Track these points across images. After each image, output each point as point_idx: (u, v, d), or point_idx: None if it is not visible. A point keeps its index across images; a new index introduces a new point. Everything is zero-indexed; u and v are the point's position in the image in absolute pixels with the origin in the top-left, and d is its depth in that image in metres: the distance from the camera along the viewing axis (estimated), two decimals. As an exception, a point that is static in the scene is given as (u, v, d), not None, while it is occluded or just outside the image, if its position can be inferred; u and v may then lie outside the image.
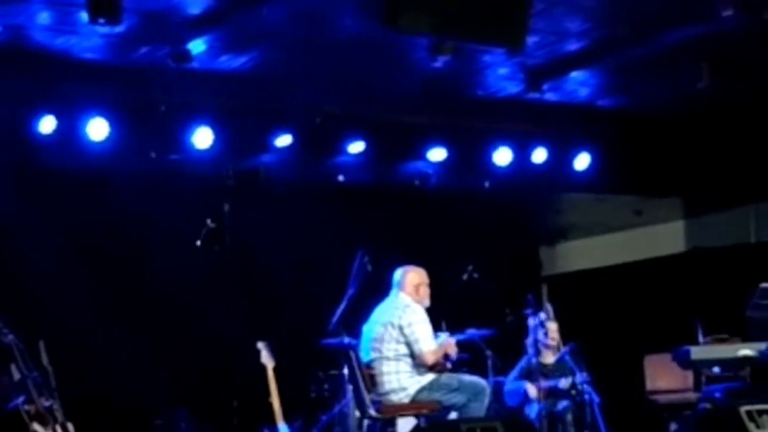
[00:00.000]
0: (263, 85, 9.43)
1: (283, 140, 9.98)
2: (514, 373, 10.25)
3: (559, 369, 10.18)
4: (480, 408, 8.56)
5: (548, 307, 10.42)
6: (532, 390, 10.00)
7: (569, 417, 9.82)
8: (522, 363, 10.28)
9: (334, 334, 9.25)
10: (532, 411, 9.86)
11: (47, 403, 8.32)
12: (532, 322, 10.29)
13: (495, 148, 10.83)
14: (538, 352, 10.18)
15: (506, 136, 10.83)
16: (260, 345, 9.58)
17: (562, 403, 9.89)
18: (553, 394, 9.97)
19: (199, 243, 7.97)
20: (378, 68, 9.39)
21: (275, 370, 9.55)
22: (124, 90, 9.12)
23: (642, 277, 12.45)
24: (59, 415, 8.37)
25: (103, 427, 8.26)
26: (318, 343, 9.31)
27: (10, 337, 8.29)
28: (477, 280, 10.08)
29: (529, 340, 10.22)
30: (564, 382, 10.02)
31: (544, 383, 9.95)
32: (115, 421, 8.06)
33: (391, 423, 8.69)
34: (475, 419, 8.37)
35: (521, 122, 10.68)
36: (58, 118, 9.09)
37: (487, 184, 11.07)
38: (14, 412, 8.20)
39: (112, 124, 9.24)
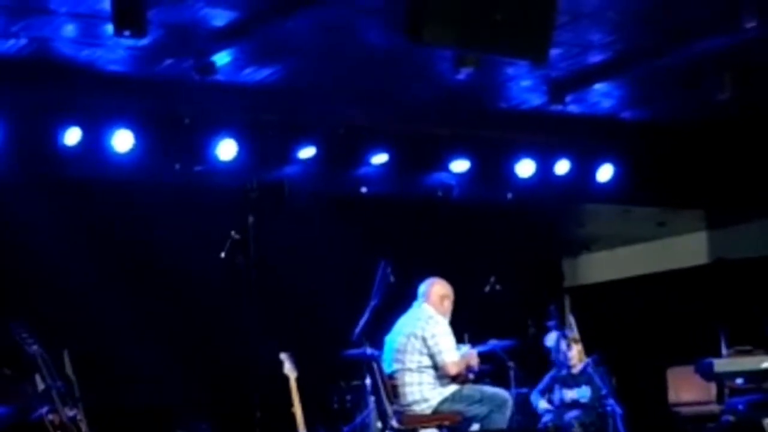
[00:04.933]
0: (287, 97, 9.46)
1: (307, 152, 9.99)
2: (540, 386, 10.25)
3: (582, 380, 10.18)
4: (502, 420, 8.56)
5: (571, 318, 10.43)
6: (543, 405, 10.03)
7: (577, 428, 9.80)
8: (548, 377, 10.28)
9: (357, 345, 9.26)
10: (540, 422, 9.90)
11: (71, 413, 8.37)
12: (551, 340, 10.29)
13: (518, 159, 10.82)
14: (565, 365, 10.19)
15: (529, 148, 10.81)
16: (283, 356, 9.59)
17: (570, 414, 9.88)
18: (571, 405, 9.98)
19: (223, 255, 7.97)
20: (401, 80, 9.41)
21: (298, 380, 9.57)
22: (148, 102, 9.15)
23: (665, 288, 12.41)
24: (83, 425, 8.42)
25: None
26: (340, 354, 9.33)
27: (35, 347, 8.35)
28: (499, 291, 10.08)
29: (555, 355, 10.21)
30: (579, 393, 10.03)
31: (570, 393, 9.96)
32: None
33: (413, 434, 8.71)
34: (498, 431, 8.36)
35: (544, 134, 10.66)
36: (83, 129, 9.12)
37: (510, 196, 11.04)
38: (38, 422, 8.25)
39: (136, 136, 9.27)
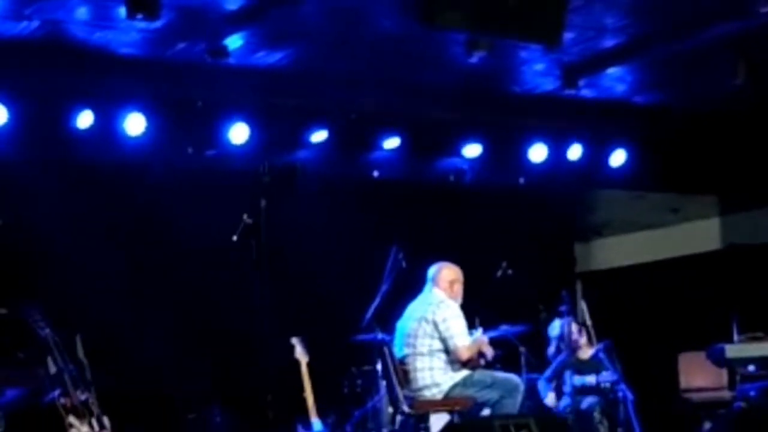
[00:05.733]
0: (299, 81, 9.42)
1: (319, 136, 9.99)
2: (546, 373, 10.24)
3: (593, 366, 10.17)
4: (513, 405, 8.55)
5: (582, 304, 10.42)
6: (550, 397, 10.02)
7: (596, 414, 9.81)
8: (555, 364, 10.27)
9: (368, 330, 9.26)
10: (559, 409, 9.88)
11: (83, 397, 8.39)
12: (555, 330, 10.28)
13: (530, 144, 10.80)
14: (574, 350, 10.18)
15: (542, 133, 10.79)
16: (294, 340, 9.61)
17: (588, 400, 9.87)
18: (582, 391, 9.96)
19: (235, 238, 7.96)
20: (414, 64, 9.37)
21: (309, 365, 9.58)
22: (161, 85, 9.12)
23: (677, 274, 12.37)
24: (95, 409, 8.44)
25: (138, 422, 8.29)
26: (351, 339, 9.33)
27: (47, 330, 8.37)
28: (511, 276, 10.06)
29: (564, 342, 10.20)
30: (593, 379, 10.02)
31: (580, 379, 9.95)
32: (150, 416, 8.09)
33: (424, 419, 8.70)
34: (509, 416, 8.35)
35: (557, 119, 10.63)
36: (95, 113, 9.11)
37: (522, 181, 11.03)
38: (50, 405, 8.27)
39: (148, 120, 9.26)
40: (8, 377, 8.18)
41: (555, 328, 10.31)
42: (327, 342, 9.73)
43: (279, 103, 9.67)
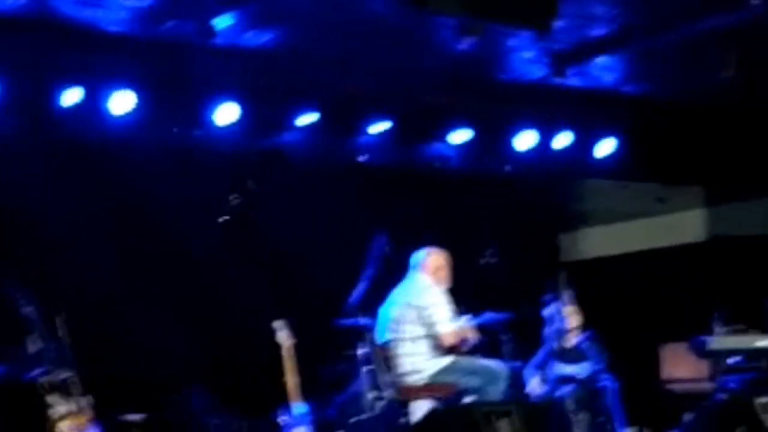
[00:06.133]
0: (288, 63, 9.37)
1: (306, 119, 9.94)
2: (534, 360, 10.24)
3: (576, 355, 10.17)
4: (496, 392, 8.54)
5: (566, 293, 10.40)
6: (533, 383, 10.02)
7: (569, 403, 9.80)
8: (542, 352, 10.27)
9: (351, 315, 9.25)
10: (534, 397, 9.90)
11: (64, 376, 8.36)
12: (548, 311, 10.28)
13: (517, 132, 10.80)
14: (560, 339, 10.18)
15: (529, 121, 10.78)
16: (278, 324, 9.58)
17: (564, 389, 9.87)
18: (563, 380, 9.97)
19: (222, 219, 7.95)
20: (403, 49, 9.32)
21: (293, 348, 9.55)
22: (149, 64, 9.06)
23: (662, 264, 12.38)
24: (76, 388, 8.40)
25: (119, 402, 8.27)
26: (334, 324, 9.31)
27: (29, 308, 8.33)
28: (495, 264, 10.04)
29: (549, 330, 10.21)
30: (574, 369, 10.02)
31: (566, 367, 9.96)
32: (131, 397, 8.07)
33: (406, 404, 8.69)
34: (491, 403, 8.35)
35: (545, 107, 10.62)
36: (83, 89, 9.04)
37: (508, 168, 11.03)
38: (31, 384, 8.23)
39: (137, 98, 9.20)
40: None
41: (551, 310, 10.31)
42: (310, 326, 9.69)
43: (267, 84, 9.61)
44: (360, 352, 9.40)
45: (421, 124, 10.43)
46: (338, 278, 9.41)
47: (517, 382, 9.91)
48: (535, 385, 10.04)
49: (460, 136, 10.61)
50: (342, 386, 9.73)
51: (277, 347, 9.53)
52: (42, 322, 8.37)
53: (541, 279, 10.29)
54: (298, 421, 9.43)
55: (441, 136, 10.60)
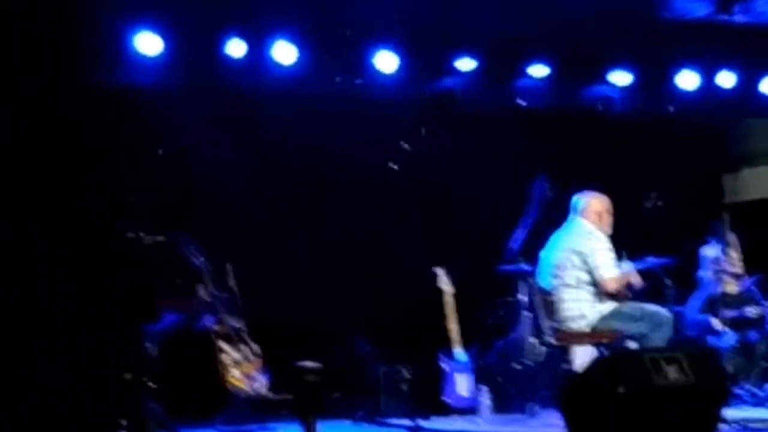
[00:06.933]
0: (447, 8, 9.30)
1: (467, 63, 9.88)
2: (694, 303, 10.05)
3: (745, 300, 9.97)
4: (661, 338, 8.36)
5: (731, 236, 10.16)
6: (716, 322, 9.82)
7: (761, 347, 9.63)
8: (702, 294, 10.07)
9: (512, 261, 9.21)
10: (722, 341, 9.68)
11: (235, 324, 8.54)
12: (711, 252, 10.07)
13: (680, 71, 10.56)
14: (719, 282, 9.98)
15: (693, 60, 10.53)
16: (438, 270, 9.60)
17: (754, 334, 9.69)
18: (741, 324, 9.77)
19: (394, 166, 7.91)
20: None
21: (454, 296, 9.57)
22: (309, 13, 9.09)
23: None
24: (245, 336, 8.58)
25: (283, 351, 8.40)
26: (496, 270, 9.28)
27: (201, 259, 8.51)
28: (658, 207, 9.86)
29: (707, 271, 10.00)
30: (752, 311, 9.82)
31: (730, 313, 9.76)
32: (296, 346, 8.17)
33: (567, 350, 8.63)
34: (659, 349, 8.12)
35: (708, 45, 10.34)
36: (246, 41, 9.14)
37: (671, 109, 10.79)
38: (203, 332, 8.43)
39: (299, 49, 9.27)
40: (167, 303, 8.34)
41: (710, 249, 10.10)
42: (470, 272, 9.70)
43: (427, 30, 9.55)
44: (521, 297, 9.39)
45: (582, 65, 10.25)
46: (498, 224, 9.37)
47: (680, 327, 9.78)
48: (718, 325, 9.84)
49: (622, 77, 10.44)
50: (503, 332, 9.73)
51: (439, 294, 9.57)
52: (212, 273, 8.56)
53: (703, 222, 10.08)
54: (460, 367, 9.48)
55: (602, 78, 10.43)
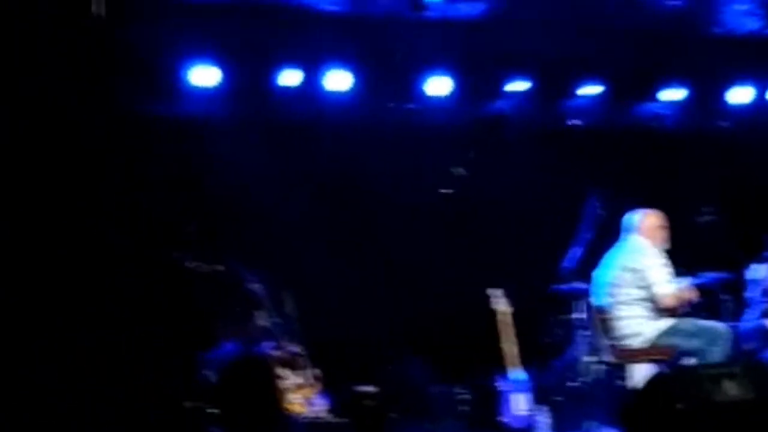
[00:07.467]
0: (497, 32, 9.36)
1: (519, 85, 9.96)
2: (751, 313, 9.98)
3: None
4: (719, 353, 8.32)
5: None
6: None
7: None
8: (755, 308, 10.00)
9: (566, 280, 9.21)
10: None
11: (293, 350, 8.60)
12: (759, 273, 9.99)
13: (732, 86, 10.55)
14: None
15: (744, 74, 10.51)
16: (494, 292, 9.60)
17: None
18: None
19: (446, 191, 7.97)
20: (612, 8, 9.20)
21: (511, 316, 9.58)
22: (362, 41, 9.20)
23: None
24: (304, 361, 8.64)
25: (337, 374, 8.46)
26: (550, 289, 9.29)
27: (257, 286, 8.59)
28: (713, 222, 9.84)
29: (755, 293, 9.92)
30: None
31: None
32: (353, 368, 8.25)
33: (623, 368, 8.62)
34: (717, 365, 8.14)
35: (760, 59, 10.31)
36: (300, 70, 9.27)
37: (724, 124, 10.77)
38: (262, 358, 8.50)
39: (354, 75, 9.40)
40: (225, 331, 8.43)
41: (758, 270, 10.03)
42: (525, 292, 9.70)
43: (478, 54, 9.62)
44: (576, 316, 9.39)
45: (633, 84, 10.28)
46: (551, 243, 9.38)
47: (738, 342, 9.71)
48: None
49: (674, 94, 10.44)
50: (559, 352, 9.72)
51: (492, 315, 9.58)
52: (269, 299, 8.63)
53: (759, 236, 10.02)
54: (517, 388, 9.48)
55: (654, 95, 10.44)
